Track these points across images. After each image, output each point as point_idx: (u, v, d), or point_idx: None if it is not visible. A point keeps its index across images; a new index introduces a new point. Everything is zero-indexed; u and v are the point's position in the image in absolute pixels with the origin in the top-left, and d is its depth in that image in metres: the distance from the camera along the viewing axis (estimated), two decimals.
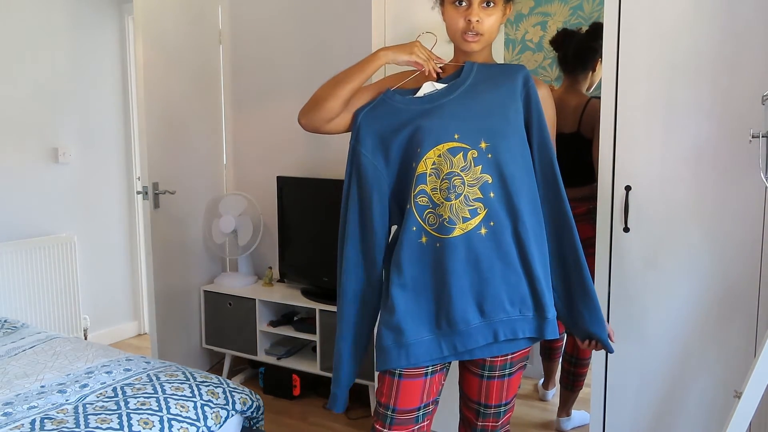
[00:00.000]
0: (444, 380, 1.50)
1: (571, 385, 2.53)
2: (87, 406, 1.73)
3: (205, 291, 3.20)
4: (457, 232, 1.34)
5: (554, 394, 2.84)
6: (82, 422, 1.63)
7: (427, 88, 1.45)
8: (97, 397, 1.79)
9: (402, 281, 1.37)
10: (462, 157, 1.35)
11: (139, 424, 1.64)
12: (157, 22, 2.90)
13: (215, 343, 3.21)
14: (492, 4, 1.41)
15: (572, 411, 2.59)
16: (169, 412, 1.71)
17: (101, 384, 1.89)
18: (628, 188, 1.84)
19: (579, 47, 2.44)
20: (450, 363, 1.49)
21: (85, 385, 1.88)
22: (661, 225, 1.82)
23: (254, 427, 1.97)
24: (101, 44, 3.63)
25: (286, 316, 3.07)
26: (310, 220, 3.05)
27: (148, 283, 3.01)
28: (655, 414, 1.89)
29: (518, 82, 1.42)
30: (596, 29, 2.40)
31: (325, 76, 1.51)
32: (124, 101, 3.79)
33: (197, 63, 3.20)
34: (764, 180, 1.56)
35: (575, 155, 2.32)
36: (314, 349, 2.94)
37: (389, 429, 1.44)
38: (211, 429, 1.76)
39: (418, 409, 1.45)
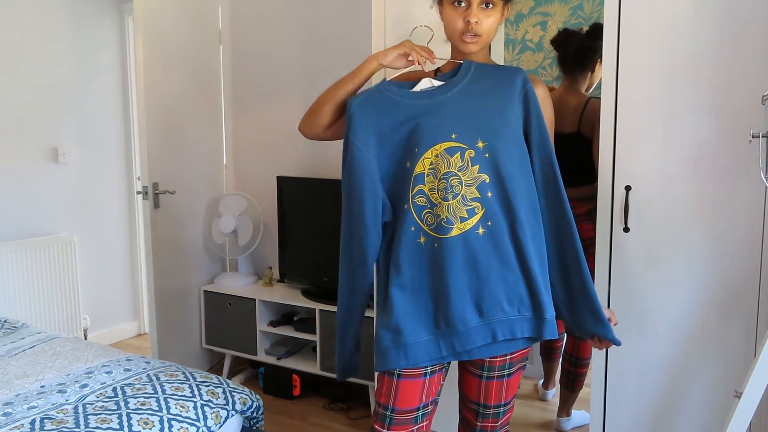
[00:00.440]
0: (443, 380, 1.50)
1: (571, 385, 2.53)
2: (87, 406, 1.73)
3: (205, 291, 3.20)
4: (454, 232, 1.34)
5: (554, 394, 2.84)
6: (82, 422, 1.63)
7: (425, 84, 1.44)
8: (97, 397, 1.79)
9: (401, 281, 1.37)
10: (459, 157, 1.35)
11: (139, 424, 1.64)
12: (157, 22, 2.90)
13: (215, 343, 3.22)
14: (491, 6, 1.41)
15: (572, 411, 2.60)
16: (169, 412, 1.71)
17: (101, 384, 1.89)
18: (628, 188, 1.84)
19: (578, 48, 2.44)
20: (449, 363, 1.49)
21: (85, 385, 1.88)
22: (661, 225, 1.82)
23: (254, 427, 1.97)
24: (101, 44, 3.64)
25: (286, 316, 3.07)
26: (310, 220, 3.05)
27: (148, 283, 3.01)
28: (655, 414, 1.89)
29: (517, 83, 1.42)
30: (596, 30, 2.40)
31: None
32: (124, 101, 3.79)
33: (197, 63, 3.20)
34: (764, 180, 1.55)
35: (575, 155, 2.32)
36: (314, 349, 2.94)
37: (388, 429, 1.44)
38: (211, 429, 1.76)
39: (417, 410, 1.45)
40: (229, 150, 3.45)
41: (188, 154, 3.16)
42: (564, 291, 1.47)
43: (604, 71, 1.86)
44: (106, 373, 1.98)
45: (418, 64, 1.49)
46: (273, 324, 3.04)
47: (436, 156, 1.36)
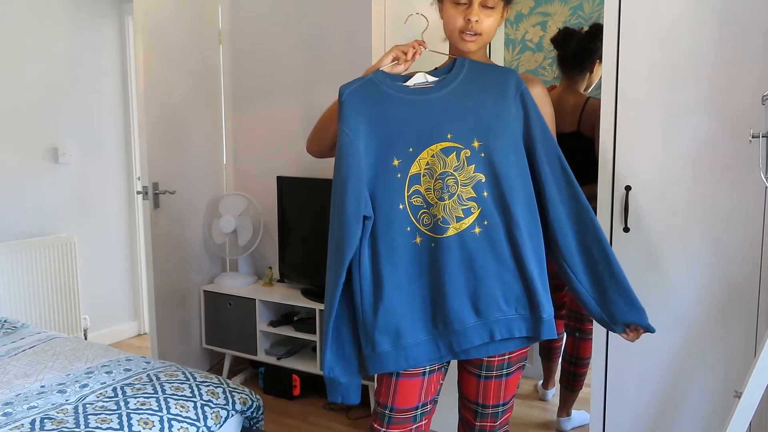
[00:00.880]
0: (443, 380, 1.50)
1: (571, 385, 2.53)
2: (87, 406, 1.73)
3: (205, 291, 3.20)
4: (451, 232, 1.34)
5: (554, 394, 2.84)
6: (82, 422, 1.63)
7: (419, 78, 1.43)
8: (97, 397, 1.79)
9: (398, 282, 1.37)
10: (455, 157, 1.35)
11: (139, 424, 1.64)
12: (157, 22, 2.90)
13: (215, 343, 3.22)
14: (492, 5, 1.41)
15: (572, 411, 2.59)
16: (169, 412, 1.71)
17: (101, 384, 1.89)
18: (628, 188, 1.84)
19: (578, 48, 2.44)
20: (448, 363, 1.49)
21: (85, 385, 1.88)
22: (661, 225, 1.82)
23: (254, 427, 1.97)
24: (101, 44, 3.64)
25: (286, 316, 3.07)
26: (310, 220, 3.05)
27: (148, 283, 3.01)
28: (655, 414, 1.89)
29: (510, 84, 1.41)
30: (595, 31, 2.40)
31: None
32: (124, 101, 3.79)
33: (197, 63, 3.20)
34: (764, 180, 1.55)
35: (575, 154, 2.31)
36: (314, 349, 2.94)
37: (387, 428, 1.45)
38: (211, 429, 1.76)
39: (416, 409, 1.45)
40: (229, 150, 3.45)
41: (188, 154, 3.16)
42: (593, 282, 1.44)
43: (604, 71, 1.86)
44: (106, 373, 1.98)
45: (416, 55, 1.47)
46: (273, 324, 3.04)
47: (432, 156, 1.36)
